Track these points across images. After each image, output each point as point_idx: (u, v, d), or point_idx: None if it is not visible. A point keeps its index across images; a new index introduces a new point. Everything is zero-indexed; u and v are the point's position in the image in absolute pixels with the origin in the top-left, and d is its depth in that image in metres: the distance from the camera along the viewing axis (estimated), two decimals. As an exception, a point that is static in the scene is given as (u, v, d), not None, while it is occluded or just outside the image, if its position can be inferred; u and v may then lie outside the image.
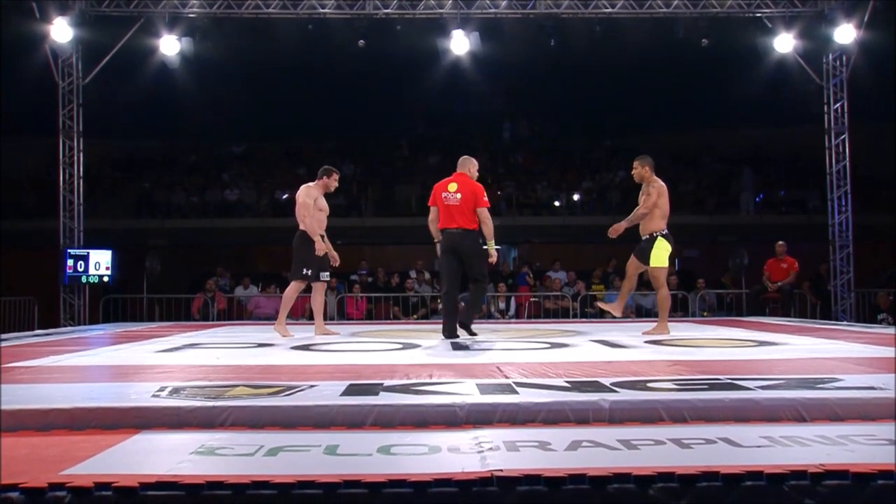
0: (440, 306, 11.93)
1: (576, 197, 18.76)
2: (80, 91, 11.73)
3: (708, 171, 19.84)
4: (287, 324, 6.82)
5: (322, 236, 6.63)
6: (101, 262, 11.61)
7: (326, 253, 6.70)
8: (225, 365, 4.42)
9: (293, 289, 6.69)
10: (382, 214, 18.42)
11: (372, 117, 21.07)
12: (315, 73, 18.05)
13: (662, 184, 6.48)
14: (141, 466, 2.24)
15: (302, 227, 6.61)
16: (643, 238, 6.55)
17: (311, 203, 6.59)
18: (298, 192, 6.70)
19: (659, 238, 6.44)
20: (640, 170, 6.53)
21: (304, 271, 6.60)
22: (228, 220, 17.72)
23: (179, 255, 16.19)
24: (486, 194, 6.06)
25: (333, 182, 6.78)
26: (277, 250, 17.15)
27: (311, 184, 6.77)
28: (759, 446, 2.40)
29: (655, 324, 6.80)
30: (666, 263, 6.51)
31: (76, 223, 11.66)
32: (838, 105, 12.11)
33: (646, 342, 5.71)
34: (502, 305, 12.41)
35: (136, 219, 17.44)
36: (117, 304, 12.08)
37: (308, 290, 6.92)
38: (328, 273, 6.79)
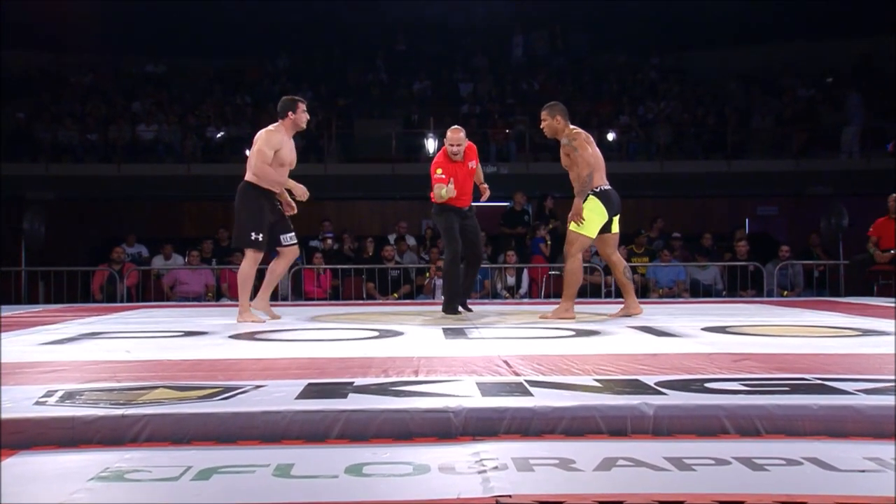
0: (427, 281, 12.07)
1: (611, 136, 18.73)
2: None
3: (794, 99, 19.78)
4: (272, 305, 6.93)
5: (275, 194, 6.67)
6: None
7: (282, 209, 6.73)
8: (139, 360, 4.42)
9: (249, 262, 6.69)
10: (351, 160, 18.30)
11: (337, 28, 20.87)
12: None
13: (583, 131, 6.66)
14: (18, 499, 2.22)
15: (248, 176, 6.60)
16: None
17: (271, 153, 6.57)
18: (257, 137, 6.67)
19: (590, 196, 6.50)
20: (551, 121, 6.65)
21: (252, 235, 6.57)
22: (142, 167, 17.63)
23: (73, 212, 16.13)
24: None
25: (302, 116, 6.74)
26: (210, 207, 17.22)
27: (272, 127, 6.72)
28: (863, 471, 2.40)
29: (559, 305, 6.78)
30: (591, 233, 6.54)
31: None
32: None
33: (703, 329, 5.74)
34: (511, 281, 12.44)
35: (9, 162, 17.13)
36: (-18, 280, 12.02)
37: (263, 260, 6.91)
38: (292, 235, 6.80)
